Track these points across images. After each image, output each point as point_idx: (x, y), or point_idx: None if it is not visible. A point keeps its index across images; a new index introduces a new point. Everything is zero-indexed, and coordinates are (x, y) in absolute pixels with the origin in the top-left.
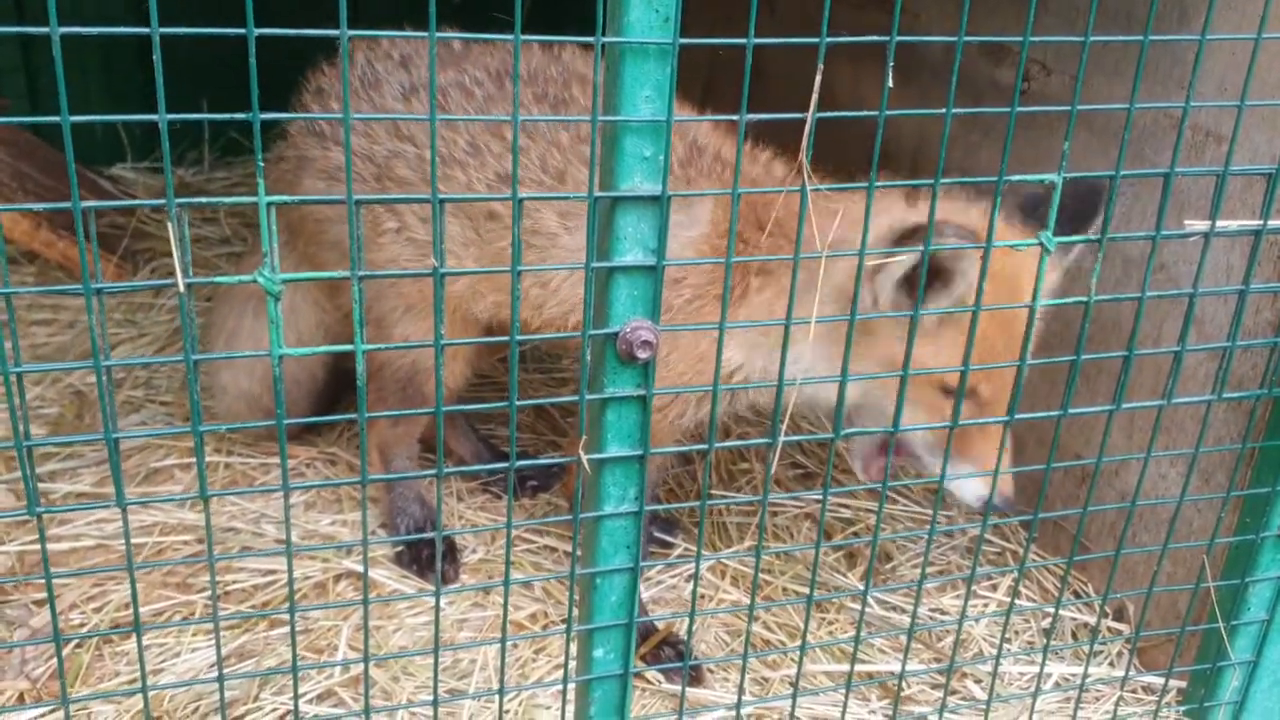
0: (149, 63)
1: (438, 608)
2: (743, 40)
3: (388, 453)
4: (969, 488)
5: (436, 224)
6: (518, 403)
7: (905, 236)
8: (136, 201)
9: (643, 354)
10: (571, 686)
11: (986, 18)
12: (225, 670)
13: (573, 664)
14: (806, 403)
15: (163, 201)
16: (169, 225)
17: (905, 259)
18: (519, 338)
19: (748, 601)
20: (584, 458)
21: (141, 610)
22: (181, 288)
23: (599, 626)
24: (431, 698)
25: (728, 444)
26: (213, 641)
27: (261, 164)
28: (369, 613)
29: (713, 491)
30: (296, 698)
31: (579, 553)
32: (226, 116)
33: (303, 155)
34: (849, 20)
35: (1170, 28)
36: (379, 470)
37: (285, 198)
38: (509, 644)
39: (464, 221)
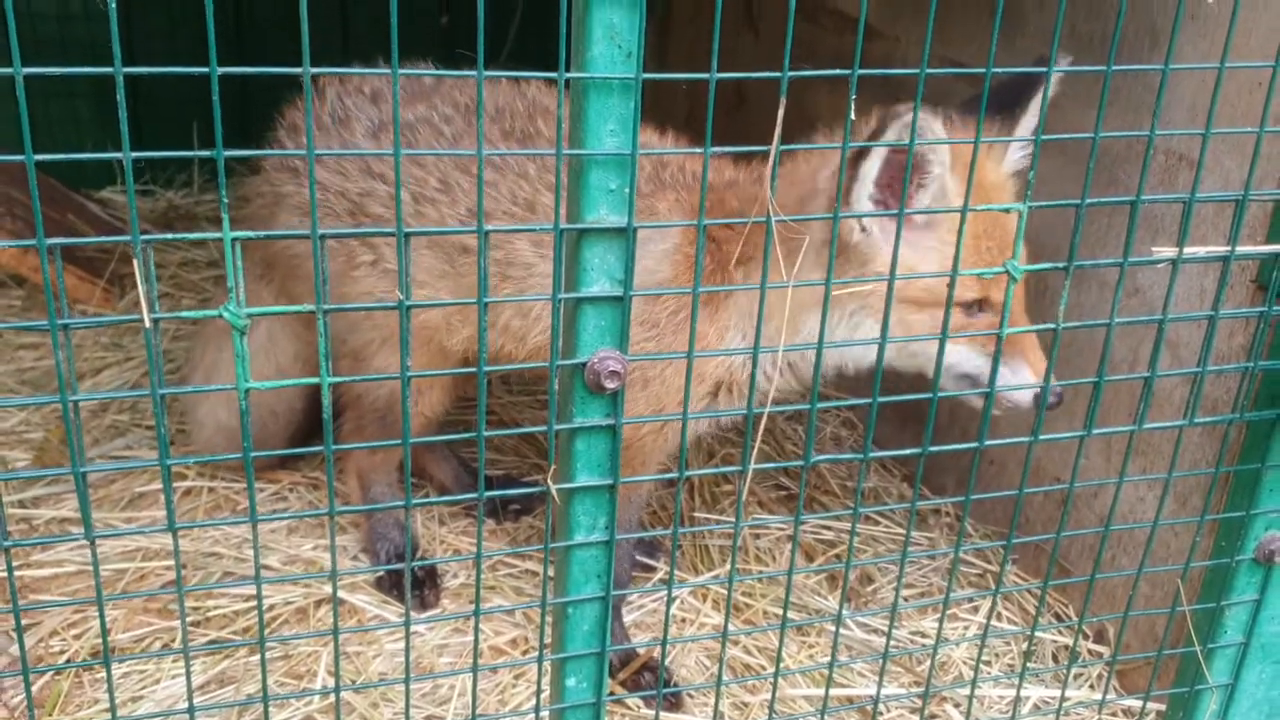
0: (140, 86)
1: (407, 636)
2: (706, 75)
3: (366, 480)
4: (1019, 392)
5: (401, 257)
6: (486, 433)
7: (871, 137)
8: (103, 238)
9: (611, 384)
10: (545, 716)
11: (965, 44)
12: (203, 698)
13: (545, 694)
14: (838, 366)
15: (128, 238)
16: (134, 262)
17: (875, 156)
18: (489, 369)
19: (731, 625)
20: (553, 488)
21: (122, 636)
22: (148, 323)
23: (571, 655)
24: None
25: (700, 471)
26: (193, 668)
27: (225, 200)
28: (349, 639)
29: (694, 515)
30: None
31: (550, 581)
32: (191, 154)
33: (277, 191)
34: (831, 45)
35: (1142, 53)
36: (358, 498)
37: (249, 233)
38: (489, 670)
39: (439, 254)
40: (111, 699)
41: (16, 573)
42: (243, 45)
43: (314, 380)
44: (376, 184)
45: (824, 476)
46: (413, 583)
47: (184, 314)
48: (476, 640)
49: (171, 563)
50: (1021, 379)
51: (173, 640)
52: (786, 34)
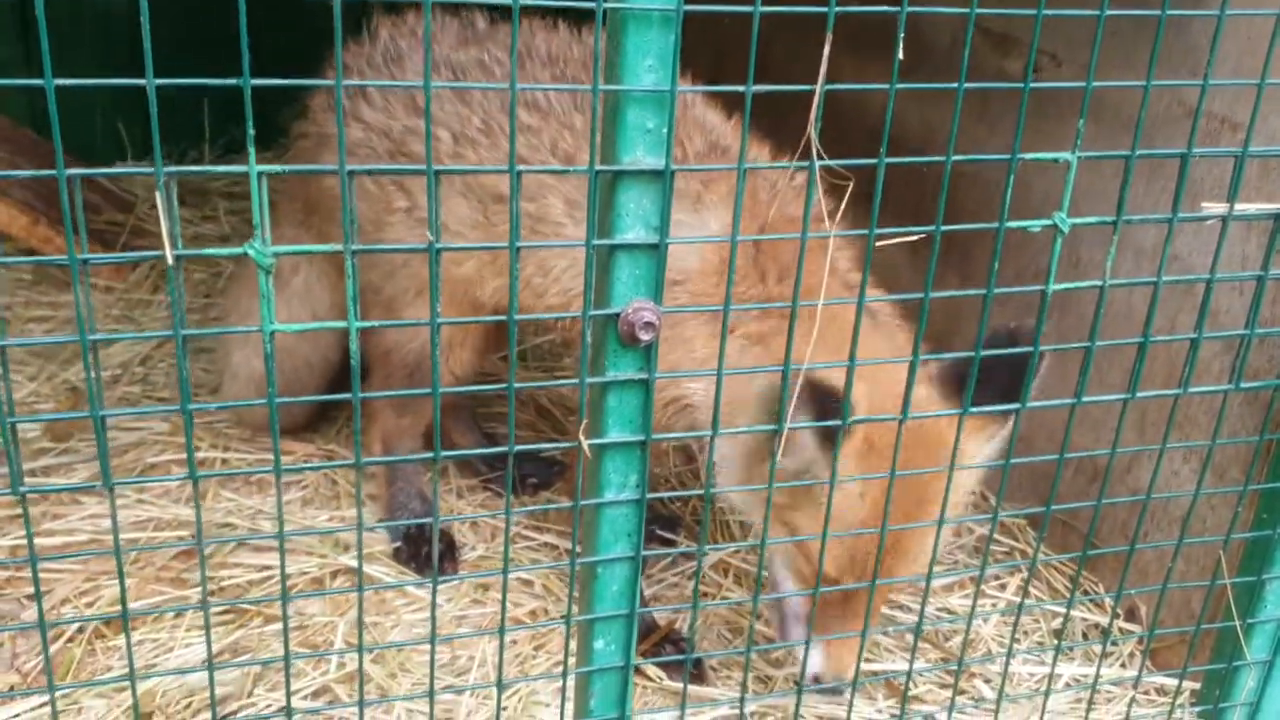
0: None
1: (434, 595)
2: (749, 9)
3: (390, 444)
4: (813, 659)
5: (431, 199)
6: (517, 385)
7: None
8: (124, 170)
9: (645, 335)
10: (571, 680)
11: (991, 5)
12: (218, 664)
13: (572, 659)
14: None
15: (151, 170)
16: (157, 196)
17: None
18: (519, 317)
19: (750, 598)
20: (584, 442)
21: (135, 605)
22: (170, 259)
23: (600, 617)
24: (427, 692)
25: (733, 430)
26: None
27: (252, 131)
28: (365, 609)
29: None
30: (289, 691)
31: (579, 543)
32: (217, 82)
33: (323, 132)
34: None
35: (1184, 5)
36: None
37: (275, 168)
38: (508, 640)
39: (473, 204)
40: (129, 653)
41: (24, 541)
42: None
43: (341, 325)
44: (420, 121)
45: None
46: (432, 555)
47: (208, 252)
48: (505, 597)
49: (182, 532)
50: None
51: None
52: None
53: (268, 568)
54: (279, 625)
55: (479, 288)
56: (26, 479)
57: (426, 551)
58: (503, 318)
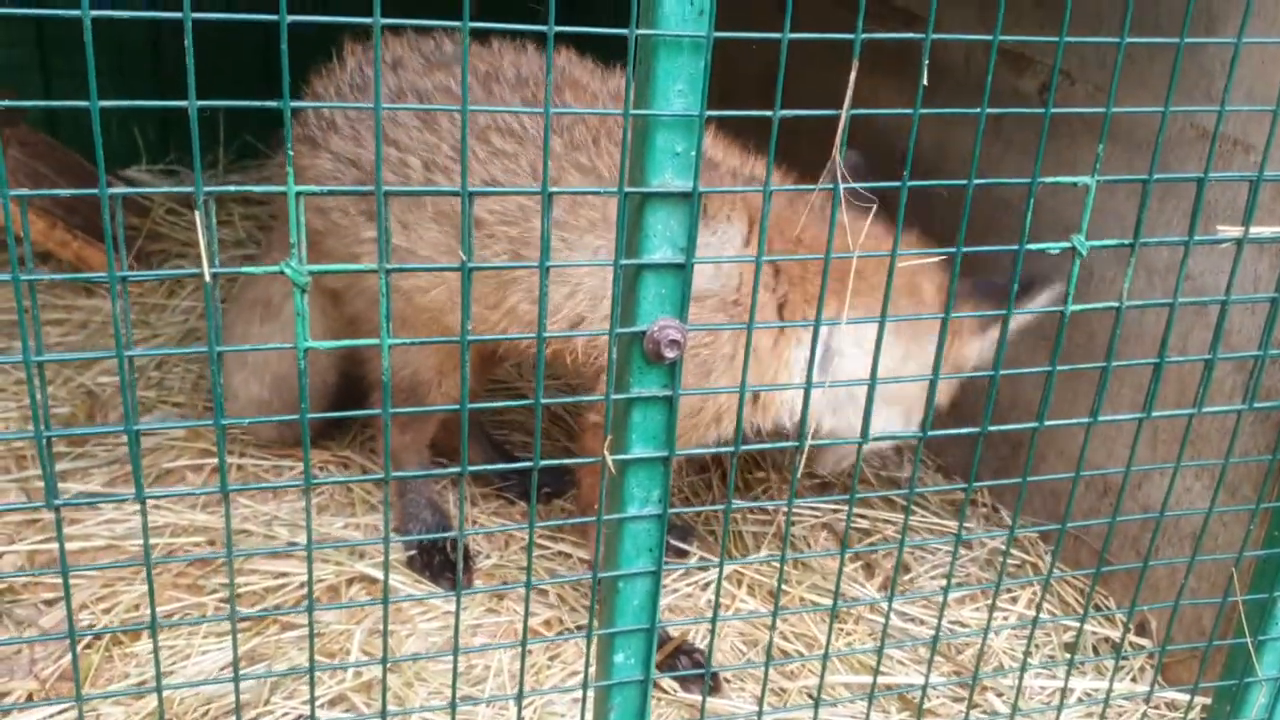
0: (161, 66)
1: (458, 607)
2: (777, 35)
3: (397, 459)
4: None
5: (466, 217)
6: (544, 401)
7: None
8: (165, 189)
9: (670, 353)
10: (588, 694)
11: (1007, 28)
12: (242, 674)
13: (590, 672)
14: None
15: (191, 189)
16: (196, 214)
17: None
18: (547, 334)
19: (764, 610)
20: (609, 458)
21: (159, 616)
22: (208, 277)
23: (620, 631)
24: (445, 703)
25: (754, 446)
26: (223, 644)
27: (291, 153)
28: (381, 618)
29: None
30: (313, 699)
31: (600, 556)
32: (259, 104)
33: (296, 165)
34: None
35: (1197, 34)
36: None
37: (315, 188)
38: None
39: (445, 229)
40: (157, 662)
41: (44, 546)
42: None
43: (374, 342)
44: (389, 149)
45: (868, 462)
46: (445, 563)
47: (245, 270)
48: (527, 610)
49: (199, 538)
50: None
51: (202, 616)
52: (819, 17)
53: (284, 574)
54: (295, 633)
55: (450, 315)
56: (39, 483)
57: (440, 560)
58: (532, 335)
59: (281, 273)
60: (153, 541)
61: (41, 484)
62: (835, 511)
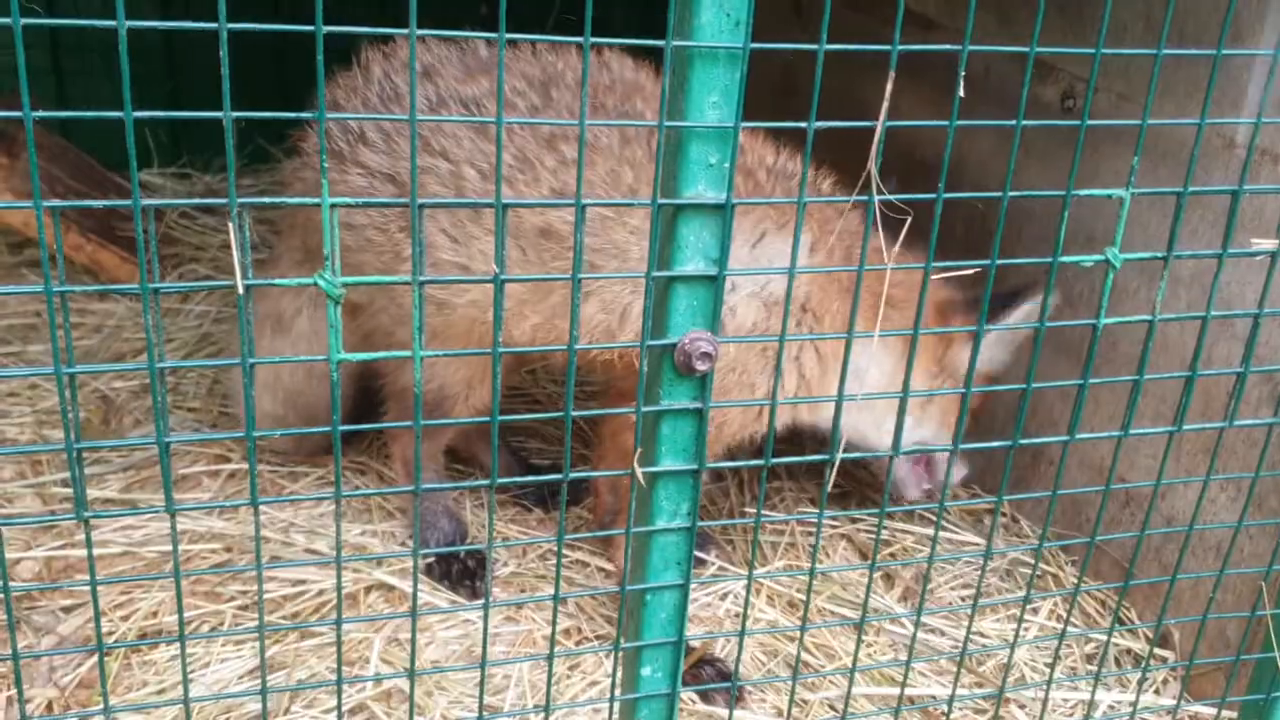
0: (176, 70)
1: (486, 623)
2: (813, 46)
3: (412, 468)
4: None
5: (500, 229)
6: (574, 414)
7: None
8: (197, 200)
9: (701, 366)
10: (611, 706)
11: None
12: (252, 683)
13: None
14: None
15: (225, 201)
16: (230, 225)
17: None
18: (580, 346)
19: (784, 621)
20: (639, 471)
21: (169, 619)
22: (240, 289)
23: (648, 644)
24: (467, 714)
25: (785, 460)
26: (241, 652)
27: (326, 165)
28: (400, 626)
29: (750, 510)
30: (340, 709)
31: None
32: (290, 115)
33: (318, 177)
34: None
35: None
36: (404, 483)
37: (349, 200)
38: (543, 660)
39: (509, 241)
40: (184, 672)
41: (59, 553)
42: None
43: (405, 354)
44: (437, 161)
45: (876, 474)
46: (464, 571)
47: (279, 281)
48: (555, 622)
49: (216, 545)
50: None
51: (220, 624)
52: (839, 24)
53: (302, 582)
54: (314, 641)
55: (514, 323)
56: (55, 489)
57: (458, 568)
58: (561, 348)
59: (315, 284)
60: (168, 549)
61: (56, 490)
62: (854, 522)
